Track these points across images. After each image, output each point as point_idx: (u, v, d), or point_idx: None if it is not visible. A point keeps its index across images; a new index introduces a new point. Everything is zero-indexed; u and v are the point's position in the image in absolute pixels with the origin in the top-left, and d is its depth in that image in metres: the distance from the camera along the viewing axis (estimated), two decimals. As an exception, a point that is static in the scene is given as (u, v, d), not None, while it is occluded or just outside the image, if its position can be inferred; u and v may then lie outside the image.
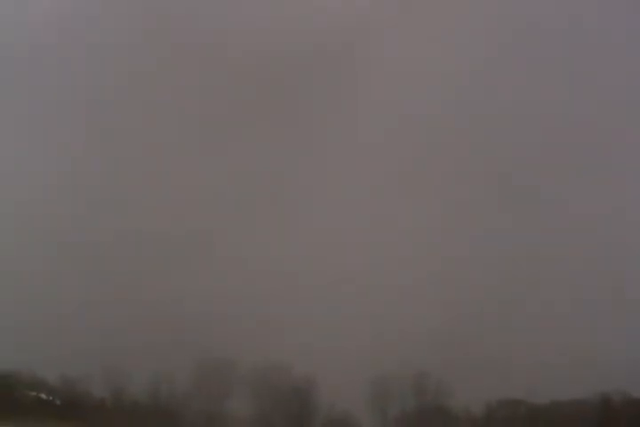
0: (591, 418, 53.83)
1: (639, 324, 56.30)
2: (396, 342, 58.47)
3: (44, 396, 57.64)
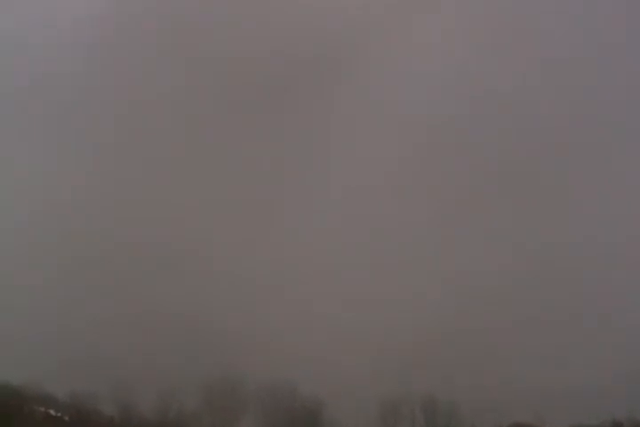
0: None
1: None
2: (405, 363, 58.45)
3: (52, 412, 57.77)
